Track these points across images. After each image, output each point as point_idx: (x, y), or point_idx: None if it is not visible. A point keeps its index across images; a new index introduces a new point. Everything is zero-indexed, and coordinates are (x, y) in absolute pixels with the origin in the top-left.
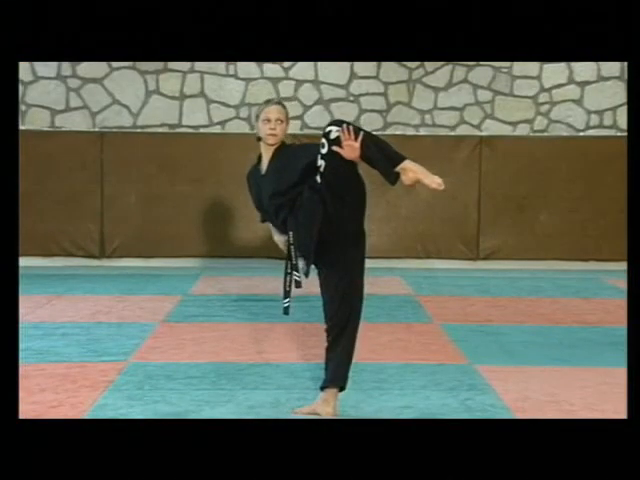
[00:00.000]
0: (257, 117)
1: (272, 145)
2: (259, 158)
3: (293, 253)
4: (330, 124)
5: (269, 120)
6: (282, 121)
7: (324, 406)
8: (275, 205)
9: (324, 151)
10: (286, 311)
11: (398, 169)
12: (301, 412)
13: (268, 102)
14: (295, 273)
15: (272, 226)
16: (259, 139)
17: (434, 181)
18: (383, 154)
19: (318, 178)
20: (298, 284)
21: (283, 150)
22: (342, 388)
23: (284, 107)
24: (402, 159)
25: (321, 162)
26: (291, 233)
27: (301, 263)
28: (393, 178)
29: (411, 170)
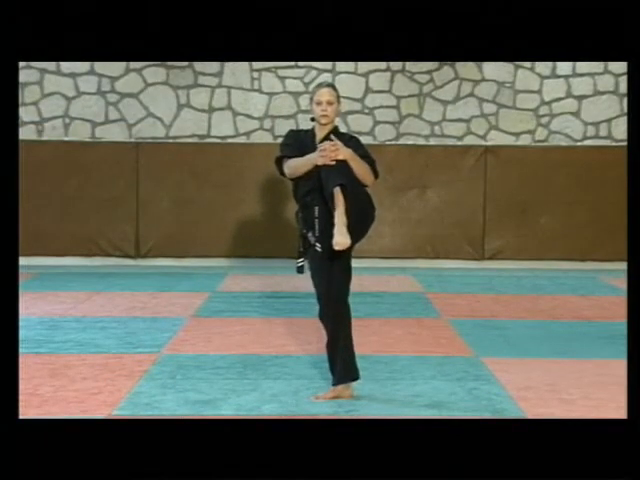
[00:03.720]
0: (311, 100)
1: (325, 125)
2: (306, 132)
3: (317, 227)
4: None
5: (320, 102)
6: (333, 103)
7: (344, 390)
8: (315, 182)
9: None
10: (300, 270)
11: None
12: (324, 398)
13: (320, 85)
14: (317, 245)
15: (287, 165)
16: (312, 119)
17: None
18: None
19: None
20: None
21: (339, 135)
22: (355, 379)
23: (335, 89)
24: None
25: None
26: (317, 208)
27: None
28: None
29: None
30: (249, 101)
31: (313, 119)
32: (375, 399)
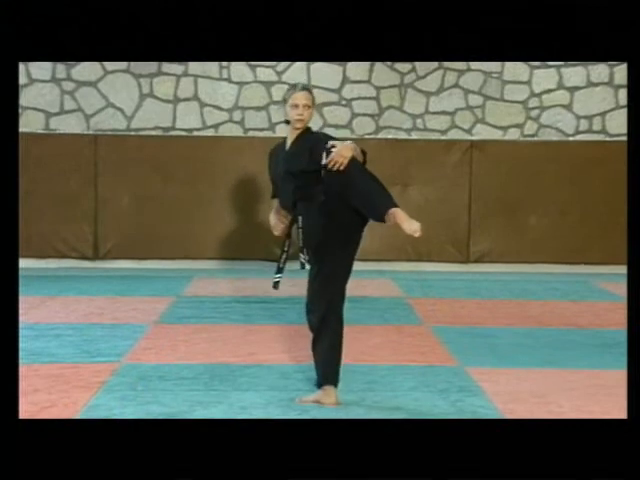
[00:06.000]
0: (285, 101)
1: (299, 129)
2: (285, 139)
3: (301, 236)
4: (330, 141)
5: (297, 106)
6: (309, 106)
7: (326, 397)
8: (290, 186)
9: (323, 163)
10: (276, 286)
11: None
12: (306, 401)
13: (295, 87)
14: (301, 255)
15: (277, 203)
16: (287, 122)
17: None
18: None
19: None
20: (302, 265)
21: (307, 136)
22: (335, 385)
23: (311, 93)
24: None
25: (323, 170)
26: (300, 218)
27: (302, 252)
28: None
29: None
30: (217, 91)
31: (287, 122)
32: (352, 411)
